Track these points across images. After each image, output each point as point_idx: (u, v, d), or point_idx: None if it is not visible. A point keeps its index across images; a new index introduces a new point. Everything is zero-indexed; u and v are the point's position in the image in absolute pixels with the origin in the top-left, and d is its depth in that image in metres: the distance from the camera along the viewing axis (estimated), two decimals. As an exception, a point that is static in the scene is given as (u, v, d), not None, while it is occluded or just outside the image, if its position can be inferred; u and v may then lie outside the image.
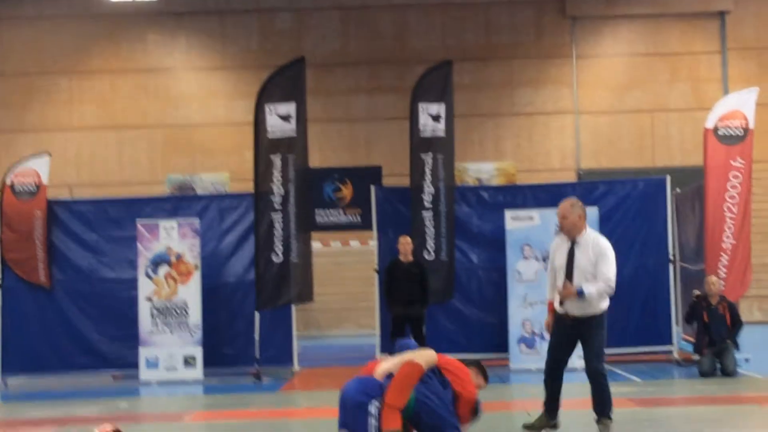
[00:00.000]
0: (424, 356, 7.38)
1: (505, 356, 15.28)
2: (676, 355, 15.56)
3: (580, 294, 8.59)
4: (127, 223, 15.59)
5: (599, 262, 8.60)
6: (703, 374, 13.63)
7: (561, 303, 8.76)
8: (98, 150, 24.62)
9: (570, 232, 8.77)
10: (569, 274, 8.67)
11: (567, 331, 8.83)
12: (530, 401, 11.63)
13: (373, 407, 7.15)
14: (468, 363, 7.69)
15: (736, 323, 13.93)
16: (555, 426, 9.06)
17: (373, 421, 7.13)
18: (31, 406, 12.51)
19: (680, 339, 16.24)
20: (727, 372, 13.56)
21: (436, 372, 7.46)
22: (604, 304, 8.76)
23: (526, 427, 9.06)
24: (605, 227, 15.49)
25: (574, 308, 8.74)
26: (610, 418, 8.76)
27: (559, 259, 8.81)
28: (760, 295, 23.02)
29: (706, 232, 14.87)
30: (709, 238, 14.81)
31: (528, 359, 15.11)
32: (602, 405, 8.79)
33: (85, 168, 24.55)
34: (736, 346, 13.91)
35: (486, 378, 7.83)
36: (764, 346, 17.04)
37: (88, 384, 15.08)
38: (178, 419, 10.99)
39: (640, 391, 12.22)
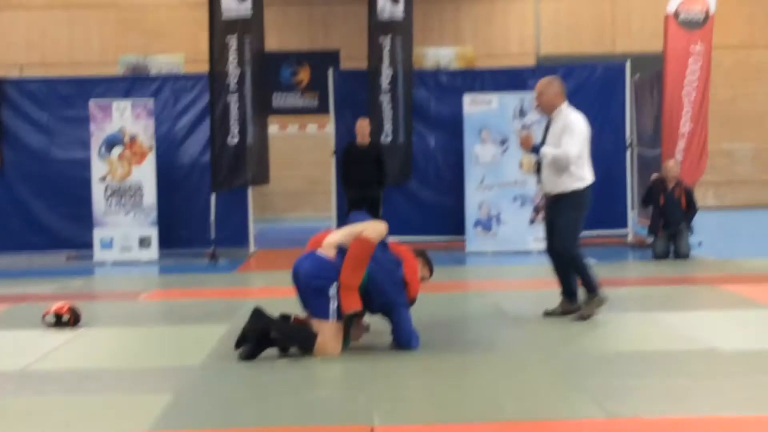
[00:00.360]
0: (375, 229, 7.34)
1: (462, 239, 15.35)
2: (630, 238, 15.72)
3: (535, 150, 8.64)
4: (79, 103, 15.32)
5: (563, 135, 8.53)
6: (657, 256, 13.77)
7: (538, 180, 8.72)
8: (48, 30, 24.08)
9: (545, 108, 8.73)
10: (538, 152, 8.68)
11: (549, 210, 8.86)
12: (485, 282, 11.73)
13: (332, 290, 7.15)
14: (415, 252, 7.66)
15: (692, 207, 14.01)
16: (578, 309, 8.81)
17: (333, 305, 7.14)
18: (-16, 286, 12.42)
19: (636, 223, 16.38)
20: (681, 254, 13.70)
21: (388, 251, 7.45)
22: (576, 183, 8.64)
23: (546, 313, 8.89)
24: (563, 111, 15.49)
25: (546, 185, 8.75)
26: (595, 293, 8.64)
27: (541, 136, 8.79)
28: (715, 181, 23.22)
29: (664, 117, 14.88)
30: (666, 123, 14.84)
31: (484, 242, 15.19)
32: (585, 285, 8.68)
33: (35, 49, 24.03)
34: (691, 229, 14.02)
35: (431, 270, 7.82)
36: (717, 231, 17.24)
37: (42, 264, 14.99)
38: (133, 297, 10.95)
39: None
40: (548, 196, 8.84)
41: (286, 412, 5.69)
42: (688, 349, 7.29)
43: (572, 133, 8.53)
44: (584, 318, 8.61)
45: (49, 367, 7.12)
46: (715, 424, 5.29)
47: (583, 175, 8.76)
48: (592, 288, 8.67)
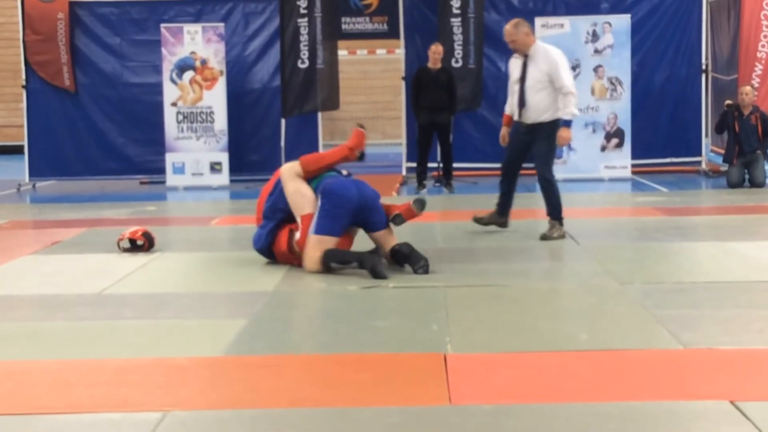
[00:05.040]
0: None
1: (532, 166, 15.20)
2: (704, 166, 15.50)
3: (568, 123, 9.04)
4: (150, 26, 15.42)
5: (553, 73, 8.98)
6: (731, 185, 13.56)
7: (520, 115, 9.20)
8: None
9: (521, 50, 9.18)
10: (522, 87, 9.09)
11: (521, 137, 9.28)
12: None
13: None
14: None
15: (768, 134, 13.75)
16: (504, 224, 9.59)
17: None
18: (59, 208, 12.62)
19: (709, 150, 16.14)
20: (756, 183, 13.48)
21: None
22: (558, 113, 9.04)
23: (476, 219, 9.57)
24: (637, 35, 15.24)
25: (528, 117, 9.15)
26: (558, 220, 9.20)
27: (515, 75, 9.24)
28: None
29: (741, 40, 14.56)
30: (743, 47, 14.52)
31: (555, 169, 15.00)
32: (551, 207, 9.25)
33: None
34: (766, 157, 13.78)
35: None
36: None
37: (115, 188, 15.20)
38: (205, 223, 11.06)
39: (667, 201, 12.19)
40: (525, 124, 9.19)
41: (359, 339, 5.72)
42: (764, 280, 7.18)
43: (560, 67, 9.01)
44: (548, 238, 9.08)
45: (125, 291, 7.22)
46: (793, 357, 5.22)
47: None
48: (558, 211, 9.23)
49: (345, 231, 7.83)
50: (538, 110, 9.07)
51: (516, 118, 9.26)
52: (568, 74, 9.08)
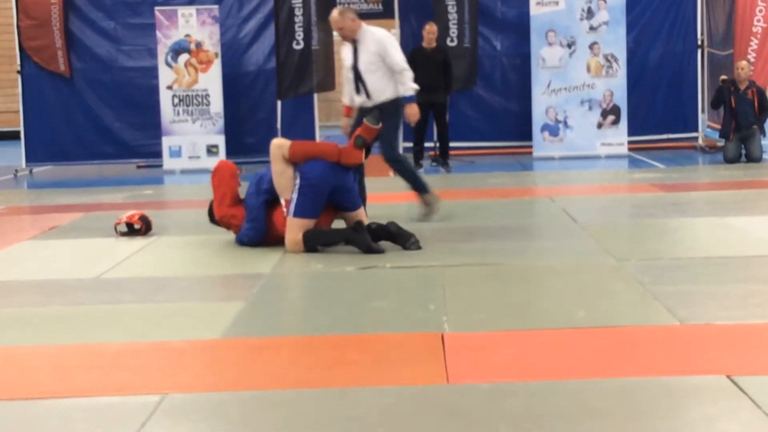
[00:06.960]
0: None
1: (529, 144, 15.23)
2: (701, 141, 15.50)
3: (410, 99, 9.02)
4: (144, 10, 15.36)
5: (383, 53, 9.00)
6: (728, 160, 13.57)
7: (361, 100, 9.15)
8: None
9: (349, 36, 9.21)
10: (357, 71, 9.07)
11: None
12: (552, 188, 11.65)
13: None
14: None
15: (764, 110, 13.74)
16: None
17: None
18: (57, 193, 12.62)
19: (706, 126, 16.14)
20: (753, 158, 13.48)
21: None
22: (398, 90, 9.03)
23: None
24: (632, 12, 15.21)
25: (370, 99, 9.09)
26: (425, 192, 9.21)
27: (347, 62, 9.24)
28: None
29: (737, 15, 14.53)
30: (739, 22, 14.49)
31: (551, 147, 15.07)
32: (413, 185, 9.26)
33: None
34: (763, 132, 13.77)
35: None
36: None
37: (112, 173, 15.19)
38: (203, 206, 11.02)
39: (664, 177, 12.20)
40: (368, 108, 9.02)
41: (356, 320, 5.73)
42: (762, 255, 7.18)
43: (389, 48, 9.06)
44: (427, 219, 9.08)
45: (123, 275, 7.22)
46: (790, 331, 5.23)
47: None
48: (420, 185, 9.23)
49: (323, 210, 7.88)
50: (377, 91, 9.07)
51: (356, 105, 9.24)
52: (398, 52, 9.13)
